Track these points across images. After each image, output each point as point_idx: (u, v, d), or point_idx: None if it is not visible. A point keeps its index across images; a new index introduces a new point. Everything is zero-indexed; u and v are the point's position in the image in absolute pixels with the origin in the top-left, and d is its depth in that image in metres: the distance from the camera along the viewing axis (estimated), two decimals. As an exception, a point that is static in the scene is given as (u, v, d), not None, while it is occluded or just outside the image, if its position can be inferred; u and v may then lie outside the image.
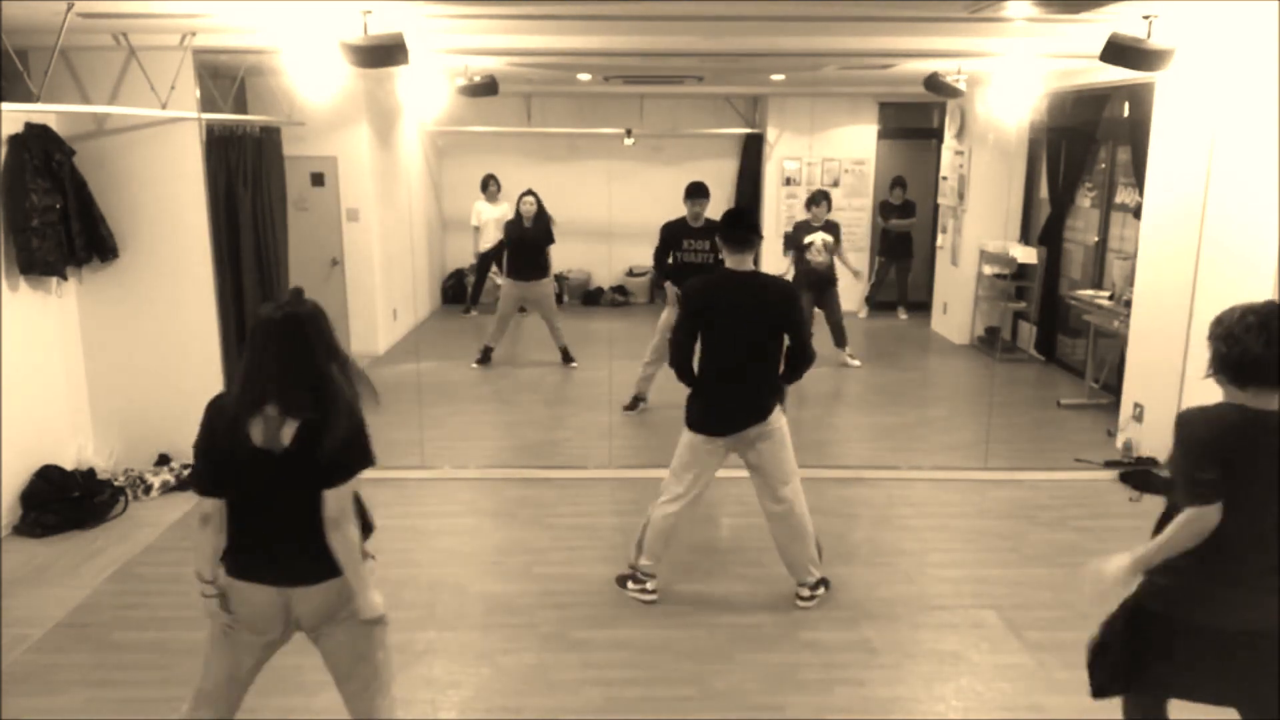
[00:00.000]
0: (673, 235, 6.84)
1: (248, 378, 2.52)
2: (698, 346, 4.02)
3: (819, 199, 8.26)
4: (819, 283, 8.17)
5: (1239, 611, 2.46)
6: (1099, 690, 2.71)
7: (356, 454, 2.56)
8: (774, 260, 10.78)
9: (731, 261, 3.98)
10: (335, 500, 2.52)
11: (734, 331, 3.95)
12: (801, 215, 10.67)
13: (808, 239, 8.17)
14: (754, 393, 4.00)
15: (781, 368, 4.05)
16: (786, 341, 4.01)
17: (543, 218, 8.24)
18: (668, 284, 6.85)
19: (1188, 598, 2.49)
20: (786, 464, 4.10)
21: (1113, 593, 2.58)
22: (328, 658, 2.72)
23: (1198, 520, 2.41)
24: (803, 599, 4.17)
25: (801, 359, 4.03)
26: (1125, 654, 2.62)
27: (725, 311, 3.95)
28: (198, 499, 2.62)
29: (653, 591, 4.22)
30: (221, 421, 2.54)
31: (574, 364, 8.36)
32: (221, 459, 2.54)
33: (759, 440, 4.03)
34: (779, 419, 4.06)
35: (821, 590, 4.20)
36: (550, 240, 8.26)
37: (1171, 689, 2.66)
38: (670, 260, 6.84)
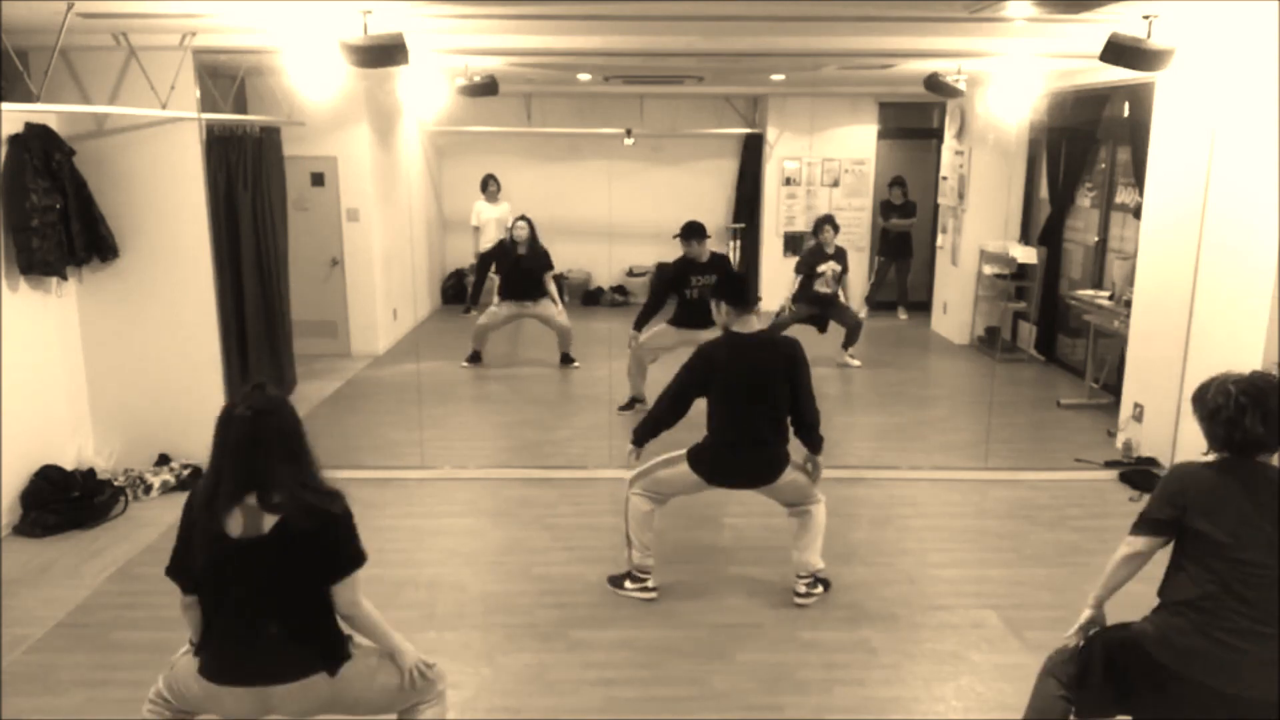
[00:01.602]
0: (681, 273, 6.78)
1: (222, 472, 2.46)
2: (705, 407, 4.06)
3: (823, 225, 8.25)
4: (822, 303, 8.24)
5: (1240, 675, 2.46)
6: (1086, 714, 2.76)
7: (350, 548, 2.54)
8: (774, 259, 10.81)
9: (738, 324, 4.04)
10: (345, 594, 2.53)
11: (746, 396, 3.97)
12: (800, 214, 10.76)
13: (820, 267, 8.18)
14: (764, 457, 4.04)
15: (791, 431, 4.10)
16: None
17: (536, 245, 8.12)
18: (642, 334, 6.87)
19: (1188, 652, 2.50)
20: (794, 491, 4.13)
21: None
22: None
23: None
24: (799, 595, 4.18)
25: (811, 417, 4.06)
26: (1109, 686, 2.67)
27: (737, 376, 3.97)
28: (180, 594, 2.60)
29: (653, 589, 4.23)
30: (198, 514, 2.50)
31: (575, 364, 8.36)
32: (199, 550, 2.49)
33: (777, 490, 4.12)
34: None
35: (820, 590, 4.21)
36: (548, 268, 8.16)
37: None
38: (678, 297, 6.80)
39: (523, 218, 8.21)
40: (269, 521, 2.44)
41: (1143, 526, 2.64)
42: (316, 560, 2.50)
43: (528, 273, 8.08)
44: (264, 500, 2.43)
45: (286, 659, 2.51)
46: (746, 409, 3.98)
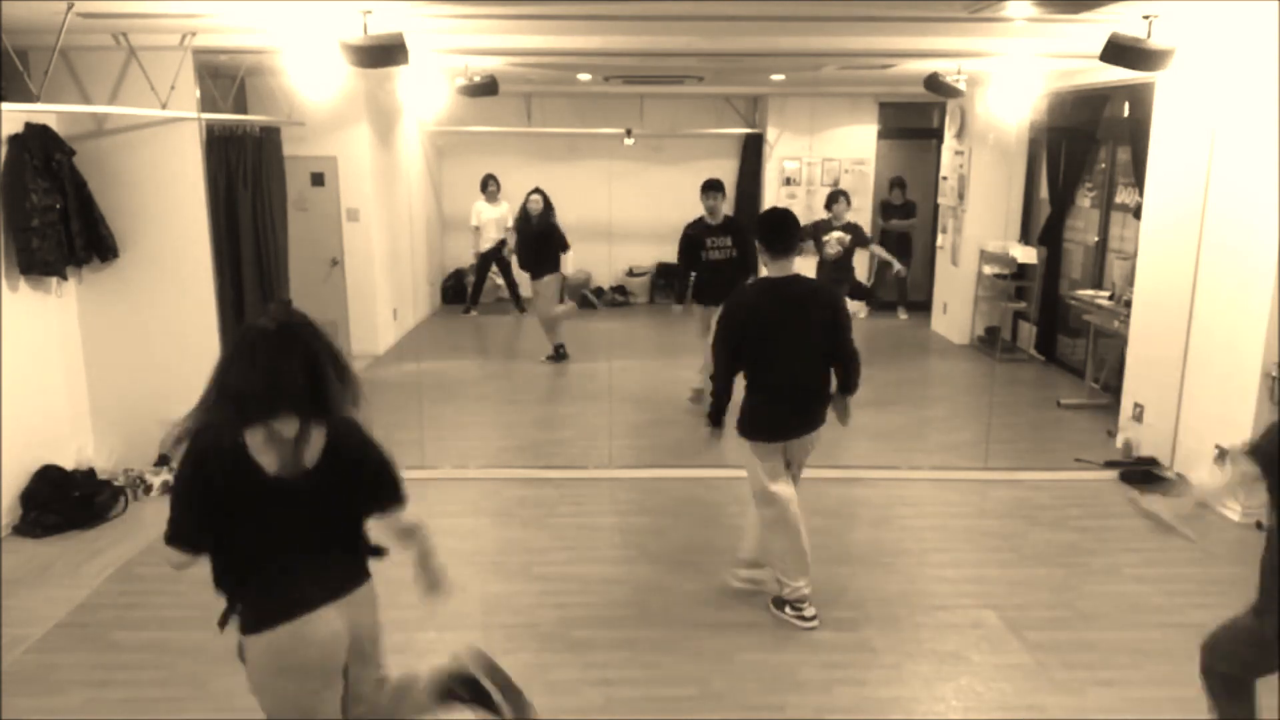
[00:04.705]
0: (695, 238, 6.86)
1: (241, 389, 2.23)
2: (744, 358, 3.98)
3: (836, 197, 8.20)
4: (835, 272, 8.19)
5: None
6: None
7: (390, 475, 2.49)
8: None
9: (773, 269, 3.92)
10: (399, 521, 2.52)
11: (782, 342, 3.85)
12: (800, 214, 10.74)
13: (825, 235, 8.15)
14: (807, 401, 3.99)
15: (832, 380, 4.06)
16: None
17: (547, 215, 8.31)
18: (692, 303, 7.00)
19: None
20: (803, 451, 4.11)
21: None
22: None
23: None
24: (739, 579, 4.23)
25: (850, 362, 4.05)
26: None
27: (772, 323, 3.85)
28: (173, 556, 2.41)
29: (811, 618, 4.02)
30: (216, 456, 2.26)
31: (551, 359, 8.50)
32: (222, 498, 2.26)
33: (806, 443, 4.08)
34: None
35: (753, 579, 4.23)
36: (551, 234, 8.29)
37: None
38: (694, 263, 6.91)
39: (536, 190, 8.35)
40: (312, 451, 2.26)
41: None
42: (361, 488, 2.42)
43: (534, 243, 8.30)
44: (306, 420, 2.23)
45: (344, 573, 2.45)
46: (785, 357, 3.85)
